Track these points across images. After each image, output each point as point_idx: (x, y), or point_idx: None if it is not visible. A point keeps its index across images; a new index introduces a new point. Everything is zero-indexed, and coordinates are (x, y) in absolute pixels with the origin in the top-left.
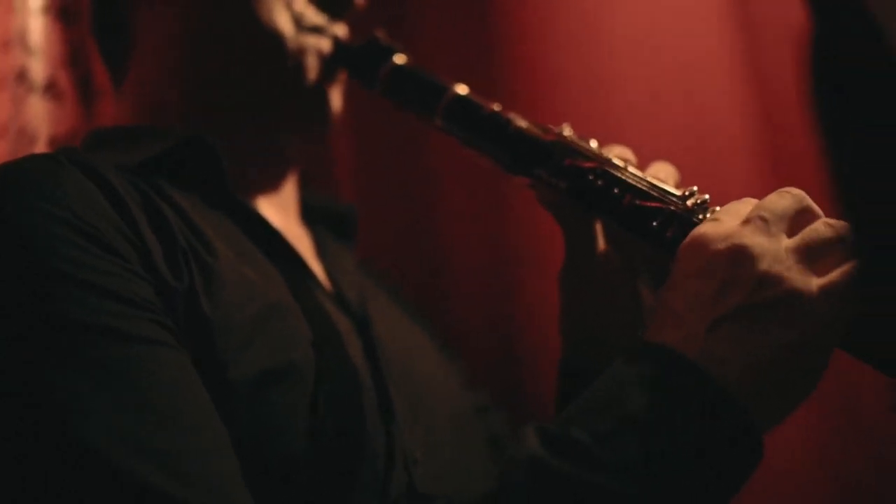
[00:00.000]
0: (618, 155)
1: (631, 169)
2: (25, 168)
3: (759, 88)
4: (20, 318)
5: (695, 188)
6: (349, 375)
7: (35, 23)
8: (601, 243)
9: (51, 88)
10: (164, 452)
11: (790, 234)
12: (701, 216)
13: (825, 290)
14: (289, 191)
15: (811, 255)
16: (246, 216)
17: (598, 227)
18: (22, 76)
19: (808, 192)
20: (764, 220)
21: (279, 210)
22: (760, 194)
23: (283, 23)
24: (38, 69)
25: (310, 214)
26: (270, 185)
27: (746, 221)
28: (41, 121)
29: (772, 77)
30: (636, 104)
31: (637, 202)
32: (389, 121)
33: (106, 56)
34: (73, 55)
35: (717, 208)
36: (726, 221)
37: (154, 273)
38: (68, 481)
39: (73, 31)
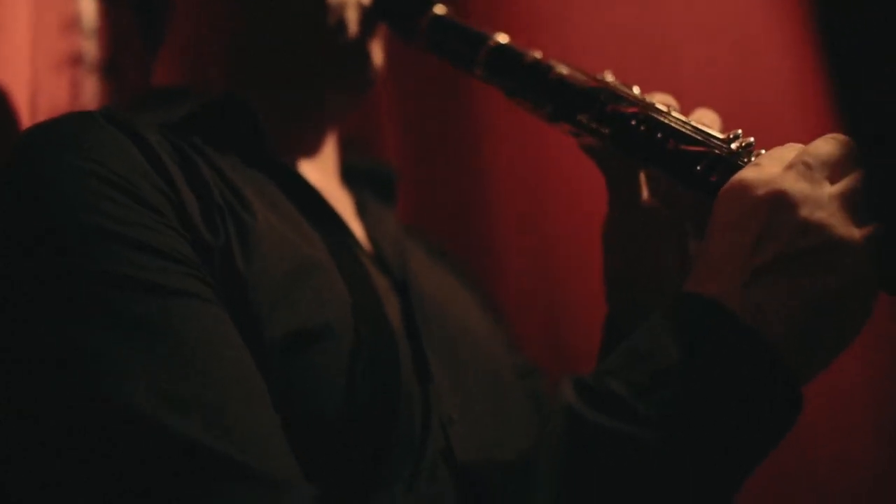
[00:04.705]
0: (661, 101)
1: (675, 114)
2: (62, 125)
3: (814, 37)
4: (57, 274)
5: (739, 131)
6: (386, 336)
7: (89, 5)
8: (645, 194)
9: (111, 69)
10: (206, 406)
11: (834, 182)
12: (746, 160)
13: (869, 240)
14: (329, 151)
15: (855, 204)
16: (284, 175)
17: (643, 178)
18: (79, 59)
19: None
20: (807, 165)
21: (319, 170)
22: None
23: None
24: (95, 51)
25: (351, 176)
26: (310, 144)
27: (789, 167)
28: (100, 101)
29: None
30: (688, 60)
31: (681, 146)
32: (435, 83)
33: (142, 19)
34: (128, 34)
35: (763, 151)
36: (767, 167)
37: (191, 228)
38: (109, 439)
39: (127, 11)
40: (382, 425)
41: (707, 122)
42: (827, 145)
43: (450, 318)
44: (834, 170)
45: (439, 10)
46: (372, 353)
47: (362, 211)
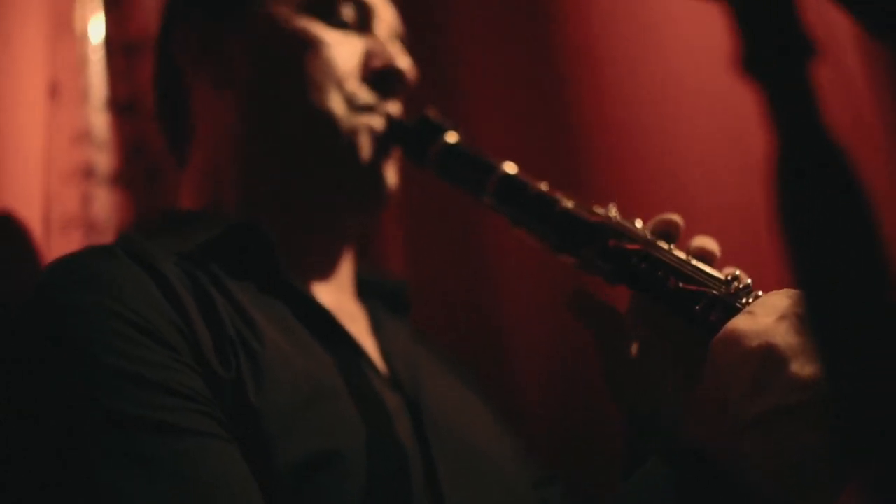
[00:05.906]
0: (665, 227)
1: (675, 251)
2: (81, 261)
3: None
4: (72, 412)
5: (737, 272)
6: (396, 457)
7: (99, 118)
8: (635, 346)
9: (121, 178)
10: None
11: None
12: (744, 300)
13: None
14: (344, 269)
15: None
16: (298, 300)
17: (630, 320)
18: (90, 171)
19: None
20: (800, 317)
21: (334, 289)
22: None
23: (336, 104)
24: (106, 162)
25: (365, 290)
26: (325, 264)
27: (782, 318)
28: (110, 212)
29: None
30: (694, 166)
31: (680, 285)
32: (439, 194)
33: (169, 139)
34: (137, 146)
35: (760, 293)
36: (761, 316)
37: (204, 364)
38: None
39: (137, 124)
40: None
41: (707, 247)
42: None
43: (461, 433)
44: None
45: (451, 137)
46: (383, 478)
47: (377, 325)
